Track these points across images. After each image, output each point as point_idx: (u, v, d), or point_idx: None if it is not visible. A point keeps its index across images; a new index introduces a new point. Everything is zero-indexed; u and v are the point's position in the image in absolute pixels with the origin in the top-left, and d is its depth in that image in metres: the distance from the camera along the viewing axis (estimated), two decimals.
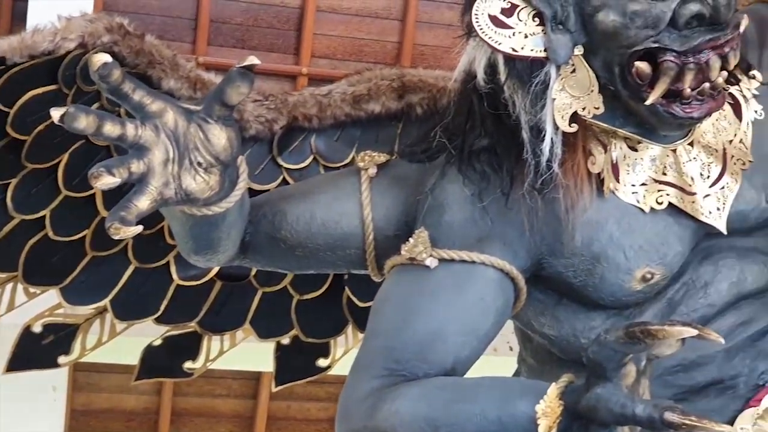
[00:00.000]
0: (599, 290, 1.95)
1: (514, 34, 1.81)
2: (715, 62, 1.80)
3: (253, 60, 1.69)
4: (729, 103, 2.00)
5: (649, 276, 1.92)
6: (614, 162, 1.92)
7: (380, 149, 2.21)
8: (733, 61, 1.84)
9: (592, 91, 1.84)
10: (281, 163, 2.43)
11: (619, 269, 1.93)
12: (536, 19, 1.82)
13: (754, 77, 2.01)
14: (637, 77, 1.81)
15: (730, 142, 1.99)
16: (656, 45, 1.79)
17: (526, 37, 1.82)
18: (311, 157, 2.44)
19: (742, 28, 1.91)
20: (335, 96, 2.40)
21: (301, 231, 2.08)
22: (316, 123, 2.41)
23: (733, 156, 1.98)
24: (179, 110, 1.71)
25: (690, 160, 1.95)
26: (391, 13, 4.07)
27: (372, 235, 2.05)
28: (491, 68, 1.90)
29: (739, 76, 1.99)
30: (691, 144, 1.96)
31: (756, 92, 2.03)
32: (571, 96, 1.83)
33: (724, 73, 1.86)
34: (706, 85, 1.83)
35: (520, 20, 1.82)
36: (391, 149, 2.28)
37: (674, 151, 1.95)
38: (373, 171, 2.09)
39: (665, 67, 1.79)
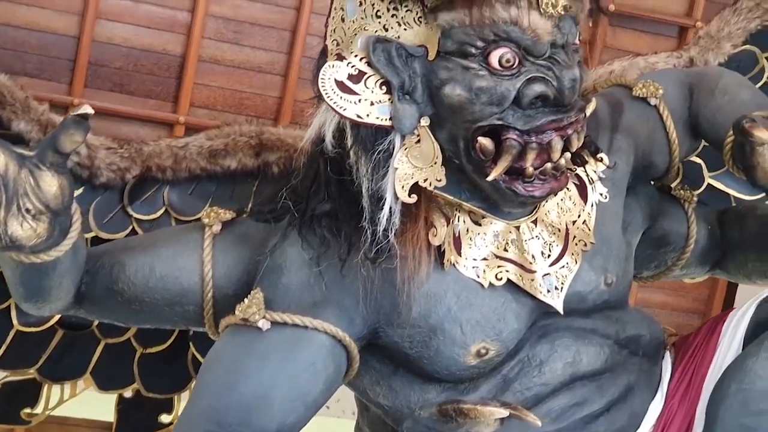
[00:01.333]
0: (434, 363, 1.93)
1: (360, 101, 1.80)
2: (557, 143, 1.82)
3: (86, 109, 1.66)
4: (575, 184, 2.03)
5: (483, 351, 1.92)
6: (456, 235, 1.92)
7: (235, 205, 2.19)
8: (576, 143, 1.86)
9: (435, 162, 1.84)
10: (131, 213, 2.38)
11: (454, 343, 1.92)
12: (383, 87, 1.82)
13: (601, 160, 2.03)
14: (481, 153, 1.82)
15: (574, 222, 2.01)
16: (500, 122, 1.80)
17: (372, 104, 1.81)
18: (163, 209, 2.39)
19: (588, 111, 1.94)
20: (192, 149, 2.37)
21: (138, 284, 2.04)
22: (170, 175, 2.36)
23: (575, 237, 2.00)
24: (11, 154, 1.66)
25: (532, 238, 1.96)
26: (275, 68, 4.03)
27: (211, 293, 2.01)
28: (340, 133, 1.89)
29: (587, 158, 2.01)
30: (534, 222, 1.98)
31: (602, 175, 2.06)
32: (413, 166, 1.83)
33: (568, 155, 1.88)
34: (548, 165, 1.85)
35: (367, 87, 1.81)
36: (244, 206, 2.25)
37: (518, 228, 1.96)
38: (217, 228, 2.06)
39: (508, 145, 1.80)
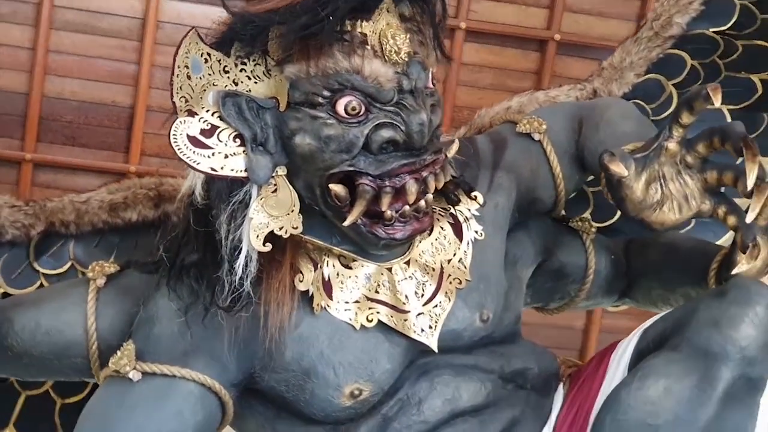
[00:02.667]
0: (310, 405, 1.95)
1: (213, 154, 1.83)
2: (412, 186, 1.84)
3: None
4: (450, 222, 2.05)
5: (357, 392, 1.94)
6: (326, 279, 1.94)
7: (139, 256, 2.22)
8: (432, 185, 1.88)
9: (292, 210, 1.86)
10: (38, 268, 2.40)
11: (328, 385, 1.94)
12: (237, 140, 1.84)
13: (475, 198, 2.06)
14: (336, 199, 1.85)
15: (449, 261, 2.02)
16: (352, 168, 1.82)
17: (226, 157, 1.83)
18: (69, 264, 2.41)
19: (450, 152, 1.97)
20: (93, 203, 2.40)
21: (26, 339, 2.07)
22: (74, 229, 2.39)
23: (450, 275, 2.01)
24: None
25: (405, 279, 1.98)
26: None
27: (95, 345, 2.04)
28: (207, 185, 1.93)
29: (460, 197, 2.04)
30: (408, 262, 1.99)
31: (476, 213, 2.08)
32: (269, 215, 1.84)
33: (429, 197, 1.91)
34: (407, 207, 1.87)
35: (221, 141, 1.84)
36: (148, 257, 2.29)
37: (390, 269, 1.98)
38: (101, 281, 2.09)
39: (361, 190, 1.83)
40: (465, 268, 2.03)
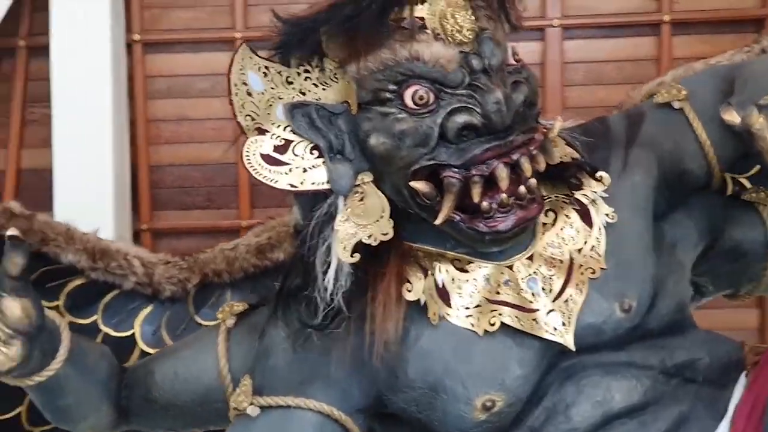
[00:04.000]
0: (445, 424, 1.82)
1: (291, 170, 1.75)
2: (501, 171, 1.69)
3: (12, 231, 1.73)
4: (575, 209, 1.89)
5: (489, 404, 1.79)
6: (440, 286, 1.82)
7: None
8: (528, 167, 1.72)
9: (382, 217, 1.75)
10: (200, 321, 2.42)
11: (458, 400, 1.80)
12: (314, 151, 1.77)
13: (600, 179, 1.89)
14: (424, 197, 1.73)
15: (580, 250, 1.86)
16: (433, 162, 1.69)
17: (305, 171, 1.75)
18: None
19: (554, 131, 1.81)
20: (241, 249, 2.39)
21: (167, 390, 2.06)
22: (227, 277, 2.39)
23: (581, 265, 1.84)
24: None
25: (529, 275, 1.83)
26: None
27: (231, 386, 2.01)
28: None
29: (583, 180, 1.88)
30: (531, 257, 1.84)
31: (604, 194, 1.90)
32: (356, 225, 1.74)
33: (532, 181, 1.75)
34: (503, 196, 1.72)
35: (296, 155, 1.76)
36: None
37: (510, 267, 1.83)
38: (230, 322, 2.06)
39: (447, 183, 1.70)
40: (599, 255, 1.85)
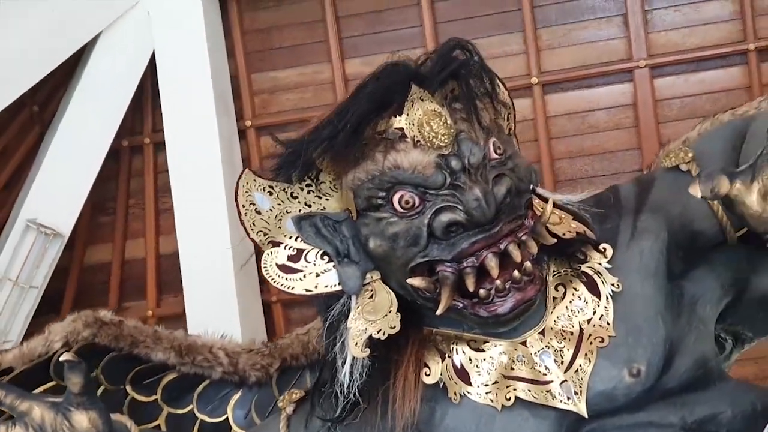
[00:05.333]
0: None
1: (305, 276, 1.91)
2: (491, 261, 1.80)
3: (66, 356, 1.95)
4: (583, 282, 1.99)
5: None
6: (459, 366, 1.94)
7: None
8: (518, 253, 1.83)
9: (390, 311, 1.88)
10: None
11: None
12: (324, 257, 1.92)
13: (604, 251, 1.99)
14: (424, 291, 1.88)
15: (589, 321, 1.94)
16: (427, 259, 1.83)
17: (317, 276, 1.91)
18: None
19: (546, 215, 1.92)
20: (312, 333, 2.55)
21: None
22: (304, 360, 2.54)
23: (590, 335, 1.93)
24: (46, 405, 1.96)
25: (542, 349, 1.93)
26: None
27: None
28: None
29: (588, 253, 1.98)
30: (543, 332, 1.96)
31: (608, 265, 2.00)
32: (366, 321, 1.88)
33: (527, 265, 1.87)
34: (497, 282, 1.85)
35: (309, 262, 1.92)
36: None
37: (524, 343, 1.95)
38: (290, 409, 2.21)
39: (441, 277, 1.83)
40: (608, 324, 1.94)
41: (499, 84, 2.06)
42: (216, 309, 4.06)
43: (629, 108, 4.02)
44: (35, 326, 4.54)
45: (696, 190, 1.74)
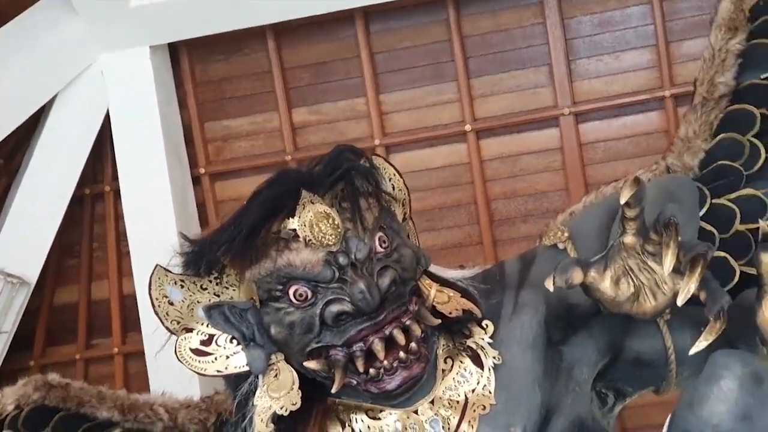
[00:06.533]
0: None
1: (216, 359, 2.09)
2: (377, 345, 1.99)
3: None
4: (468, 355, 2.18)
5: None
6: None
7: None
8: (401, 337, 2.01)
9: (292, 389, 2.05)
10: None
11: None
12: (233, 341, 2.11)
13: (486, 327, 2.19)
14: (320, 371, 2.08)
15: (473, 390, 2.13)
16: (320, 344, 2.01)
17: (227, 358, 2.09)
18: None
19: (429, 300, 2.12)
20: None
21: None
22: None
23: (474, 403, 2.13)
24: None
25: (432, 417, 2.11)
26: (472, 240, 4.36)
27: None
28: None
29: (473, 329, 2.18)
30: (433, 401, 2.15)
31: (490, 340, 2.19)
32: (271, 398, 2.04)
33: (412, 345, 2.06)
34: (385, 362, 2.05)
35: (219, 345, 2.10)
36: None
37: (416, 411, 2.15)
38: None
39: (333, 360, 2.02)
40: (490, 393, 2.12)
41: (393, 176, 2.25)
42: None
43: (557, 152, 4.23)
44: (6, 367, 4.74)
45: (550, 284, 1.94)
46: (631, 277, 1.98)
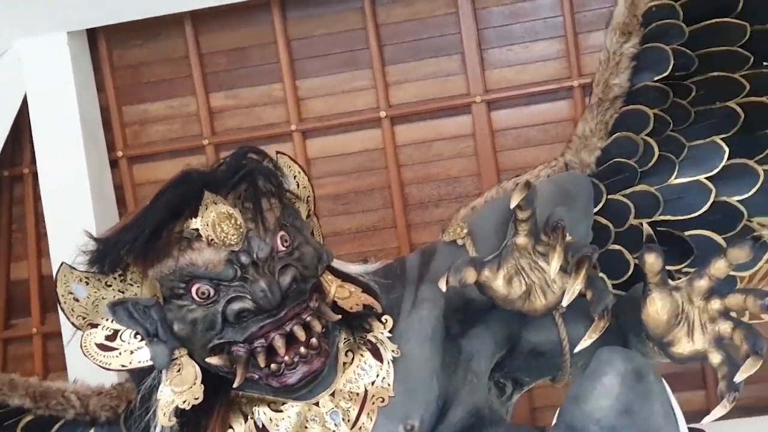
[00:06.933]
0: None
1: (121, 353, 2.13)
2: (277, 341, 2.05)
3: None
4: (368, 348, 2.25)
5: None
6: (261, 426, 2.16)
7: None
8: (302, 333, 2.05)
9: (195, 383, 2.11)
10: None
11: None
12: (138, 336, 2.15)
13: (386, 322, 2.26)
14: (223, 367, 2.13)
15: (373, 383, 2.20)
16: (222, 340, 2.06)
17: (131, 353, 2.13)
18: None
19: (329, 296, 2.18)
20: None
21: None
22: None
23: (373, 395, 2.19)
24: None
25: (332, 409, 2.17)
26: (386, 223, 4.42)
27: None
28: None
29: (373, 323, 2.24)
30: (333, 394, 2.21)
31: (389, 334, 2.26)
32: (173, 393, 2.10)
33: (313, 341, 2.12)
34: (286, 358, 2.10)
35: (124, 341, 2.14)
36: None
37: (317, 403, 2.21)
38: None
39: (235, 356, 2.07)
40: (389, 385, 2.20)
41: (298, 174, 2.30)
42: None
43: (469, 138, 4.30)
44: None
45: (443, 284, 2.01)
46: (523, 276, 2.05)
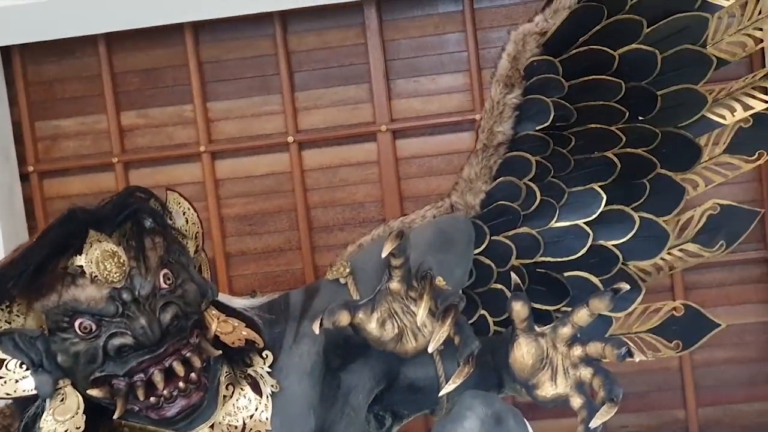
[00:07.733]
0: None
1: (6, 382, 2.17)
2: (156, 376, 2.12)
3: None
4: (249, 382, 2.31)
5: None
6: None
7: None
8: (180, 368, 2.12)
9: (77, 413, 2.17)
10: None
11: None
12: (23, 366, 2.21)
13: (266, 357, 2.32)
14: (104, 399, 2.18)
15: (251, 417, 2.28)
16: (103, 373, 2.14)
17: (17, 381, 2.18)
18: None
19: (210, 333, 2.24)
20: None
21: None
22: None
23: (251, 429, 2.27)
24: None
25: None
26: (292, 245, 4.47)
27: None
28: None
29: (254, 358, 2.31)
30: (213, 426, 2.27)
31: (269, 369, 2.33)
32: (56, 421, 2.15)
33: (192, 375, 2.18)
34: (165, 392, 2.16)
35: (9, 369, 2.19)
36: None
37: None
38: None
39: (115, 389, 2.13)
40: (267, 419, 2.27)
41: (187, 210, 2.35)
42: None
43: (374, 165, 4.37)
44: None
45: (317, 327, 2.09)
46: (396, 319, 2.13)
